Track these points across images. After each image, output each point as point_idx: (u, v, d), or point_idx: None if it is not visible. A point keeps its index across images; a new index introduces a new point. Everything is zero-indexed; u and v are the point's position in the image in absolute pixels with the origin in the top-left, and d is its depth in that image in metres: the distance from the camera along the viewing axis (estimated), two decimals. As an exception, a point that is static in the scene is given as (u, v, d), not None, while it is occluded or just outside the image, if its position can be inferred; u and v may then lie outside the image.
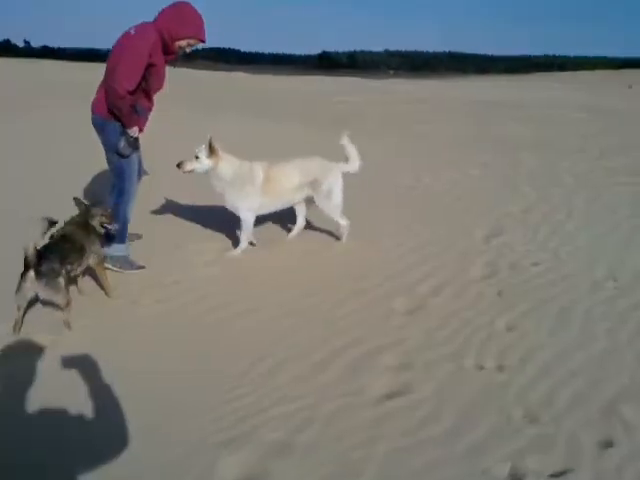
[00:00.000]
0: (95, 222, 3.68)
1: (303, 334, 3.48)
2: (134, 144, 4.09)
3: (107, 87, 3.85)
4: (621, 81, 35.30)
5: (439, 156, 9.06)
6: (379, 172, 7.88)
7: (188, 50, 4.10)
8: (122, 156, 4.05)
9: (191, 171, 4.38)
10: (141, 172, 4.49)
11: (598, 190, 6.89)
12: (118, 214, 4.13)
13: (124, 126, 3.98)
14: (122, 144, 4.00)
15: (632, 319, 3.74)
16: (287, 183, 4.64)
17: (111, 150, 4.07)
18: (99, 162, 4.55)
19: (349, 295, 3.99)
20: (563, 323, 3.68)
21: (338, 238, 5.04)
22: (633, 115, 14.87)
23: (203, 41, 4.08)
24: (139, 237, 4.98)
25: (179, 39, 3.95)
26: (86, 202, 3.72)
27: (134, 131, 4.03)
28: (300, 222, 5.04)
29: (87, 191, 6.21)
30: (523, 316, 3.75)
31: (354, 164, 4.84)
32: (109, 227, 3.74)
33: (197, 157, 4.33)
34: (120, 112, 3.89)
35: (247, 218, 4.61)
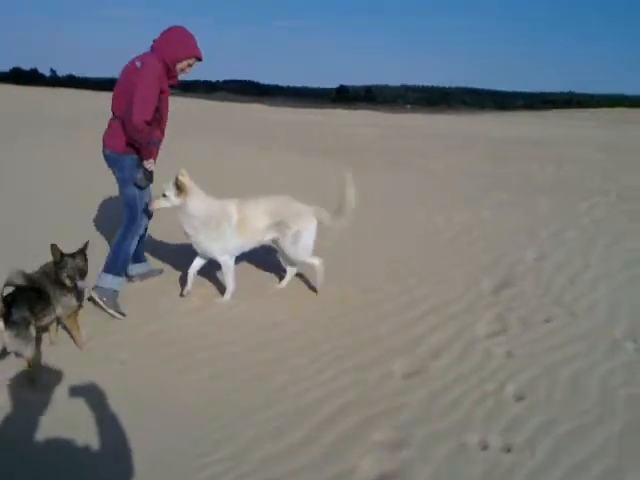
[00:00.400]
0: (63, 274, 3.40)
1: (288, 402, 3.16)
2: (150, 177, 4.17)
3: (126, 121, 3.95)
4: (637, 119, 34.88)
5: (453, 195, 8.78)
6: (388, 209, 7.65)
7: (188, 71, 4.23)
8: (139, 188, 4.14)
9: (160, 209, 4.21)
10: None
11: (618, 236, 6.51)
12: (122, 247, 4.19)
13: (142, 158, 4.08)
14: (140, 176, 4.10)
15: (656, 388, 3.37)
16: (258, 223, 4.34)
17: (128, 184, 4.15)
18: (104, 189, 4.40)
19: (341, 354, 3.68)
20: (579, 391, 3.32)
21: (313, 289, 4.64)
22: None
23: (200, 59, 4.23)
24: (160, 272, 4.89)
25: (179, 61, 4.10)
26: (62, 251, 3.45)
27: (150, 163, 4.12)
28: (291, 269, 4.75)
29: (85, 217, 6.04)
30: (534, 382, 3.41)
31: (338, 220, 4.41)
32: (79, 283, 3.46)
33: (164, 195, 4.12)
34: (140, 144, 4.00)
35: (226, 261, 4.35)
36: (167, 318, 4.13)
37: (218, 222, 4.21)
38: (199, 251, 4.35)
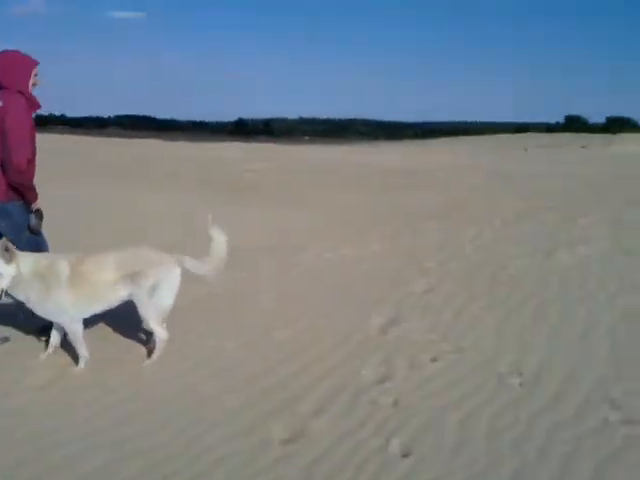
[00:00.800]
0: None
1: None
2: (41, 217, 4.05)
3: (5, 164, 3.80)
4: (518, 144, 37.75)
5: (344, 228, 8.71)
6: (277, 246, 7.38)
7: (38, 81, 4.05)
8: (36, 233, 4.02)
9: (2, 292, 3.62)
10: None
11: (503, 262, 6.64)
12: None
13: (29, 202, 3.96)
14: (34, 221, 3.97)
15: (540, 427, 3.28)
16: (102, 278, 3.80)
17: (20, 231, 3.97)
18: None
19: (215, 421, 3.27)
20: (466, 439, 3.16)
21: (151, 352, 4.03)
22: (532, 178, 15.47)
23: (37, 62, 4.05)
24: (5, 340, 4.20)
25: (28, 80, 3.96)
26: None
27: (38, 204, 4.01)
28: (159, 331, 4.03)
29: None
30: (421, 433, 3.20)
31: (207, 265, 4.05)
32: None
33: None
34: (24, 187, 3.89)
35: (67, 324, 3.81)
36: (11, 396, 3.52)
37: (43, 280, 3.67)
38: (39, 315, 3.80)
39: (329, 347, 4.28)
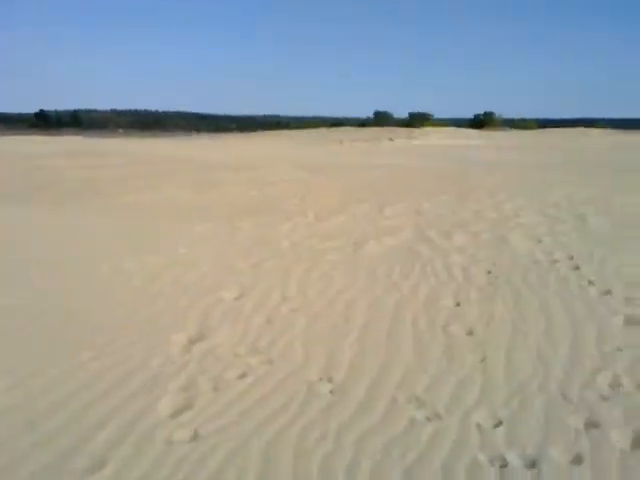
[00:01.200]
0: None
1: None
2: None
3: None
4: (334, 138, 39.43)
5: (151, 232, 7.97)
6: (63, 260, 6.41)
7: None
8: None
9: None
10: None
11: (314, 259, 6.56)
12: None
13: None
14: None
15: (349, 438, 3.09)
16: None
17: None
18: None
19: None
20: (272, 467, 2.85)
21: None
22: (346, 170, 16.05)
23: None
24: None
25: None
26: None
27: None
28: None
29: None
30: (222, 471, 2.82)
31: None
32: None
33: None
34: None
35: None
36: None
37: None
38: None
39: (117, 380, 3.66)
